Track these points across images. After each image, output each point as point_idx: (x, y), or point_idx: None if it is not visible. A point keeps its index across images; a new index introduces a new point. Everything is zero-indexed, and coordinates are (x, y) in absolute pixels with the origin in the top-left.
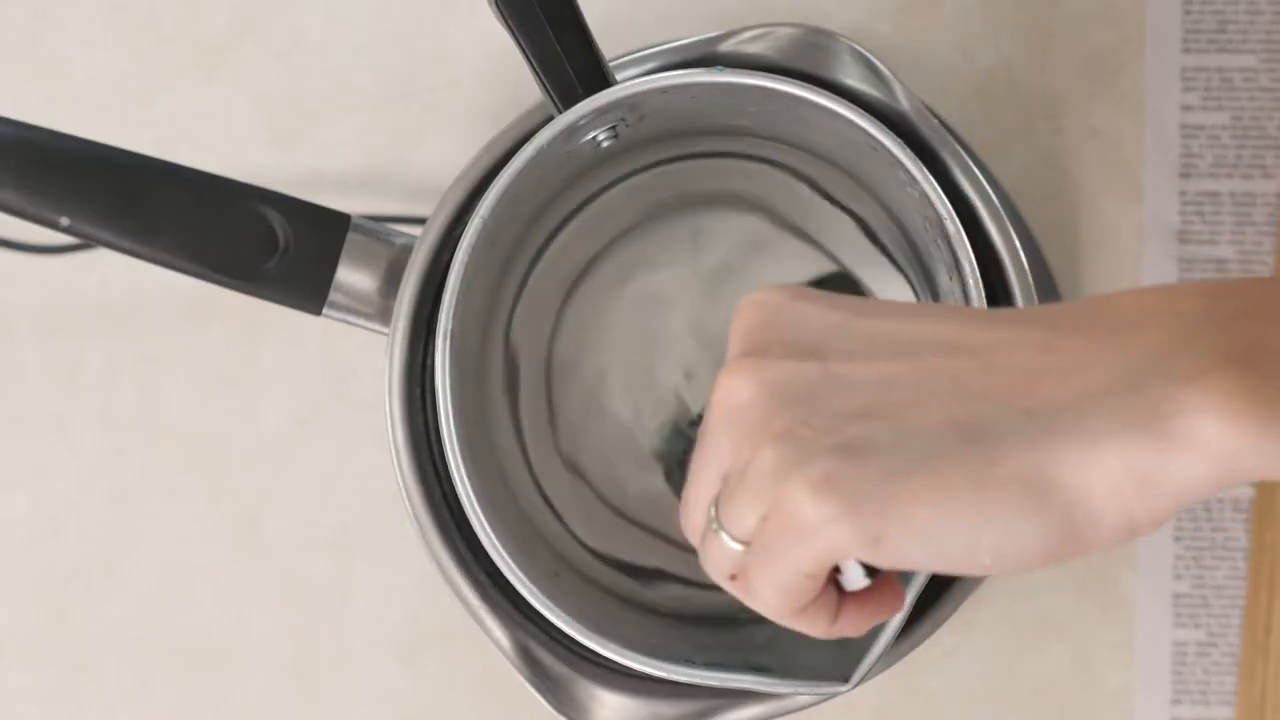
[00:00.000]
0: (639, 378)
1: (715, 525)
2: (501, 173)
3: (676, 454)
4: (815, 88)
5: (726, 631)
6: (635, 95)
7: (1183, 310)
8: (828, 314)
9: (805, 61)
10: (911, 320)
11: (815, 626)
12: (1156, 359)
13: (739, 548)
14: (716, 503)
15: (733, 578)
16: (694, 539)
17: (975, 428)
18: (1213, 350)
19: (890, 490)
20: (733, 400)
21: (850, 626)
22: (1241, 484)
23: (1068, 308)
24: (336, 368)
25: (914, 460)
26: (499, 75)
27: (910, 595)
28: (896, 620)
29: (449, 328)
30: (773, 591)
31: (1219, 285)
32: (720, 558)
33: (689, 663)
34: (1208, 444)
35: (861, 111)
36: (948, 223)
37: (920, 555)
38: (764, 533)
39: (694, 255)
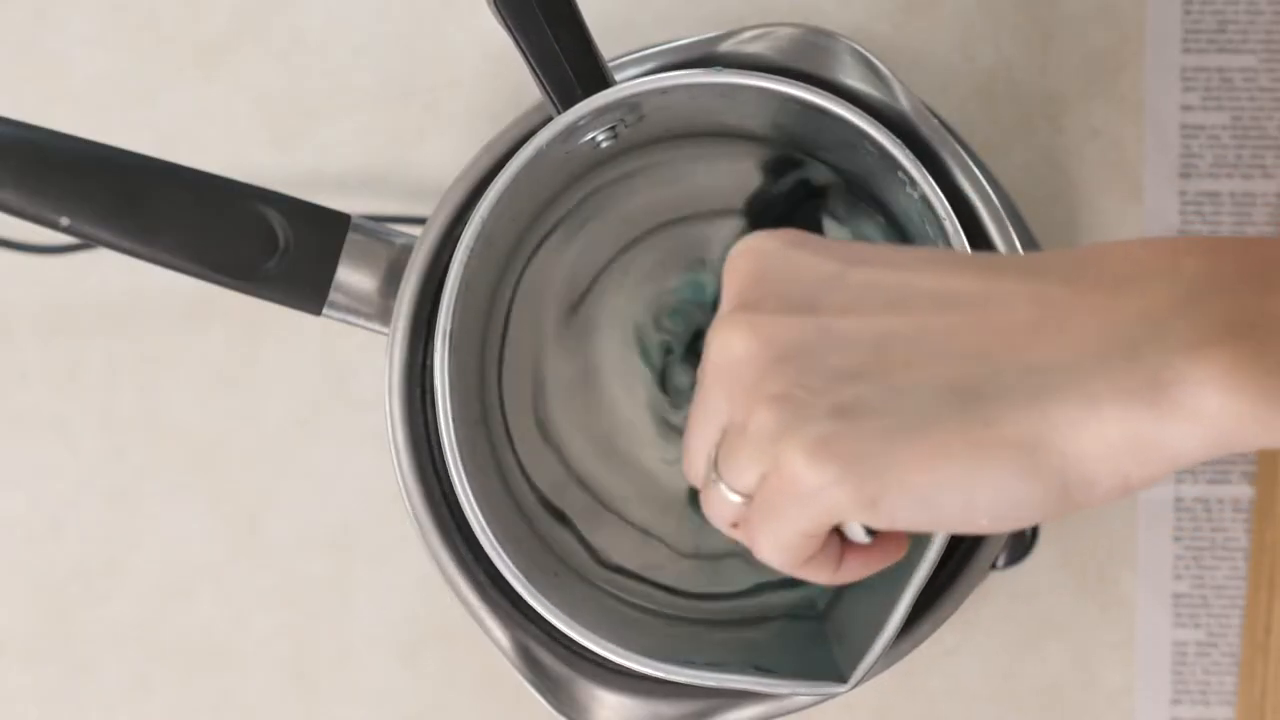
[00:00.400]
0: (639, 377)
1: (715, 476)
2: (501, 173)
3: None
4: (815, 89)
5: (726, 631)
6: (635, 95)
7: (1182, 268)
8: (821, 263)
9: (805, 61)
10: (905, 270)
11: (819, 576)
12: (1155, 322)
13: (739, 499)
14: (716, 453)
15: (734, 525)
16: (696, 484)
17: (970, 388)
18: (1214, 318)
19: (887, 453)
20: (728, 355)
21: (853, 575)
22: (1238, 450)
23: (1062, 257)
24: (336, 368)
25: (910, 422)
26: (499, 75)
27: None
28: (896, 620)
29: (448, 327)
30: (773, 547)
31: (1217, 243)
32: (721, 507)
33: (689, 663)
34: (1207, 413)
35: (861, 113)
36: (947, 223)
37: (917, 517)
38: (763, 492)
39: (694, 255)
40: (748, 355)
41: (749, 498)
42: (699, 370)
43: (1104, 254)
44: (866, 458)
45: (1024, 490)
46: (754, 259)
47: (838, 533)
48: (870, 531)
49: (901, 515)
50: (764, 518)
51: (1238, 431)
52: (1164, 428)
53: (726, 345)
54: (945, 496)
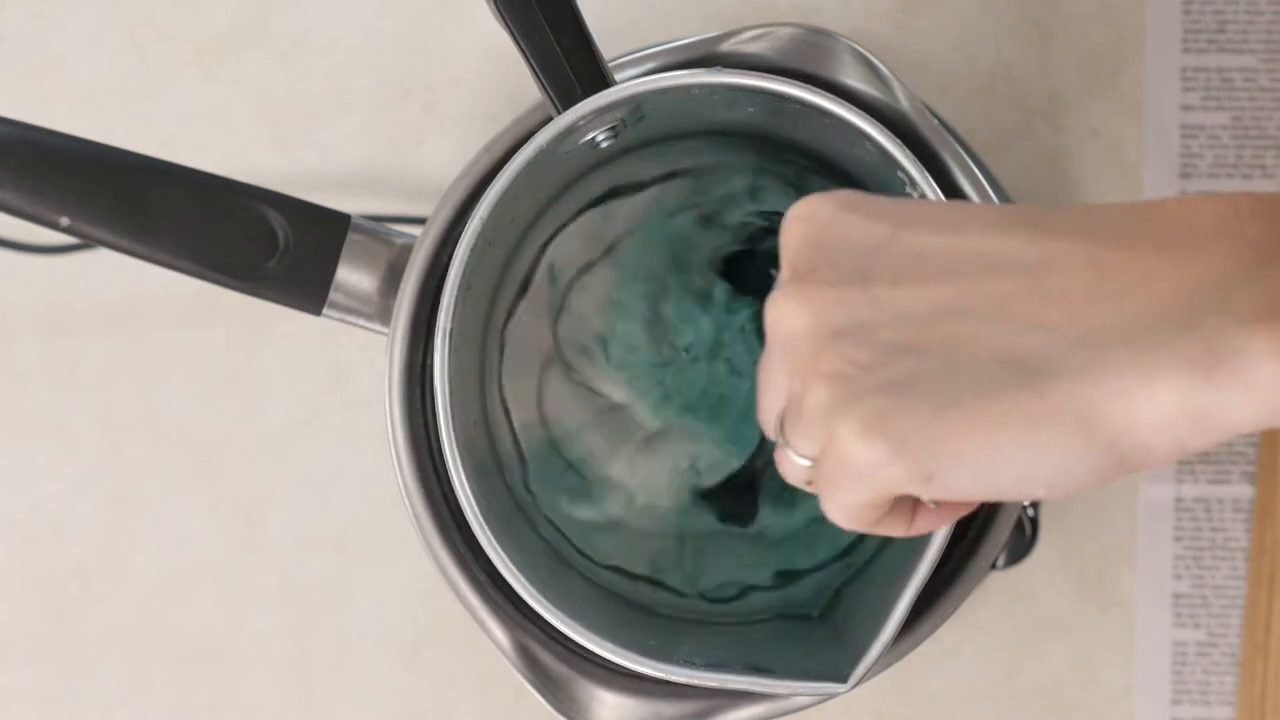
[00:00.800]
0: (638, 377)
1: (783, 441)
2: (501, 173)
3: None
4: (815, 89)
5: (726, 631)
6: (635, 95)
7: (1244, 234)
8: (873, 229)
9: (805, 61)
10: (957, 232)
11: (894, 531)
12: (1214, 291)
13: (807, 463)
14: (783, 418)
15: (809, 484)
16: (770, 437)
17: (1024, 360)
18: (1274, 289)
19: (940, 428)
20: (783, 329)
21: (928, 528)
22: None
23: (1119, 213)
24: (336, 368)
25: (963, 395)
26: (499, 75)
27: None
28: (896, 620)
29: (448, 327)
30: (841, 515)
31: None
32: (793, 470)
33: (689, 663)
34: (1265, 386)
35: (861, 113)
36: None
37: (973, 489)
38: (823, 464)
39: (694, 256)
40: (802, 329)
41: (816, 461)
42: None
43: (1163, 211)
44: (919, 434)
45: (1080, 460)
46: (807, 225)
47: None
48: None
49: (957, 488)
50: (826, 489)
51: None
52: (1221, 399)
53: (782, 318)
54: (1001, 469)
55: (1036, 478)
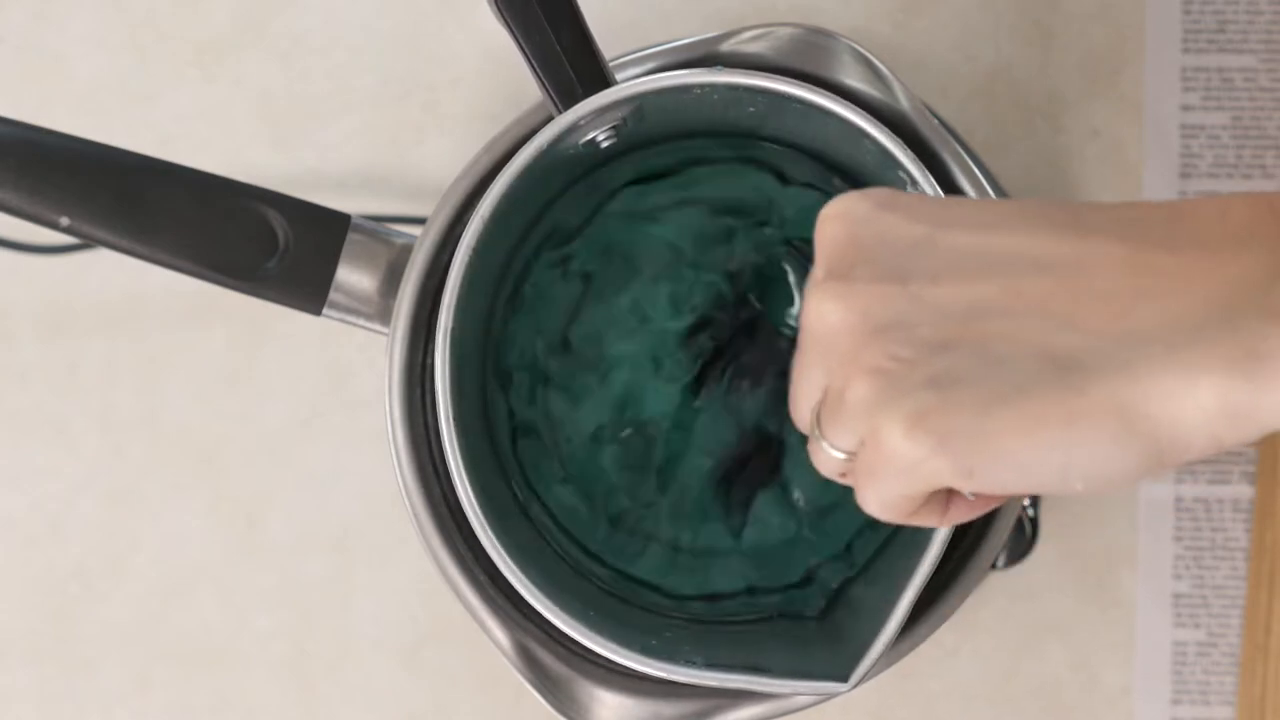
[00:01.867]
0: (639, 378)
1: (819, 434)
2: (502, 173)
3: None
4: (816, 88)
5: (727, 631)
6: (636, 95)
7: None
8: (911, 227)
9: (805, 61)
10: (996, 231)
11: (928, 522)
12: (1254, 290)
13: (842, 456)
14: (819, 412)
15: (843, 475)
16: (803, 431)
17: (1064, 357)
18: None
19: (982, 424)
20: (822, 326)
21: (961, 517)
22: None
23: (1156, 211)
24: (336, 368)
25: (1004, 392)
26: (499, 75)
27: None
28: (897, 619)
29: (449, 327)
30: (878, 506)
31: None
32: (827, 462)
33: (689, 663)
34: None
35: (862, 112)
36: None
37: (1014, 483)
38: (863, 457)
39: (694, 256)
40: (843, 326)
41: (852, 454)
42: (799, 336)
43: (1201, 211)
44: (962, 429)
45: (1119, 456)
46: (843, 224)
47: None
48: None
49: (999, 482)
50: (866, 480)
51: None
52: (1260, 398)
53: (821, 315)
54: (1041, 464)
55: (1076, 473)
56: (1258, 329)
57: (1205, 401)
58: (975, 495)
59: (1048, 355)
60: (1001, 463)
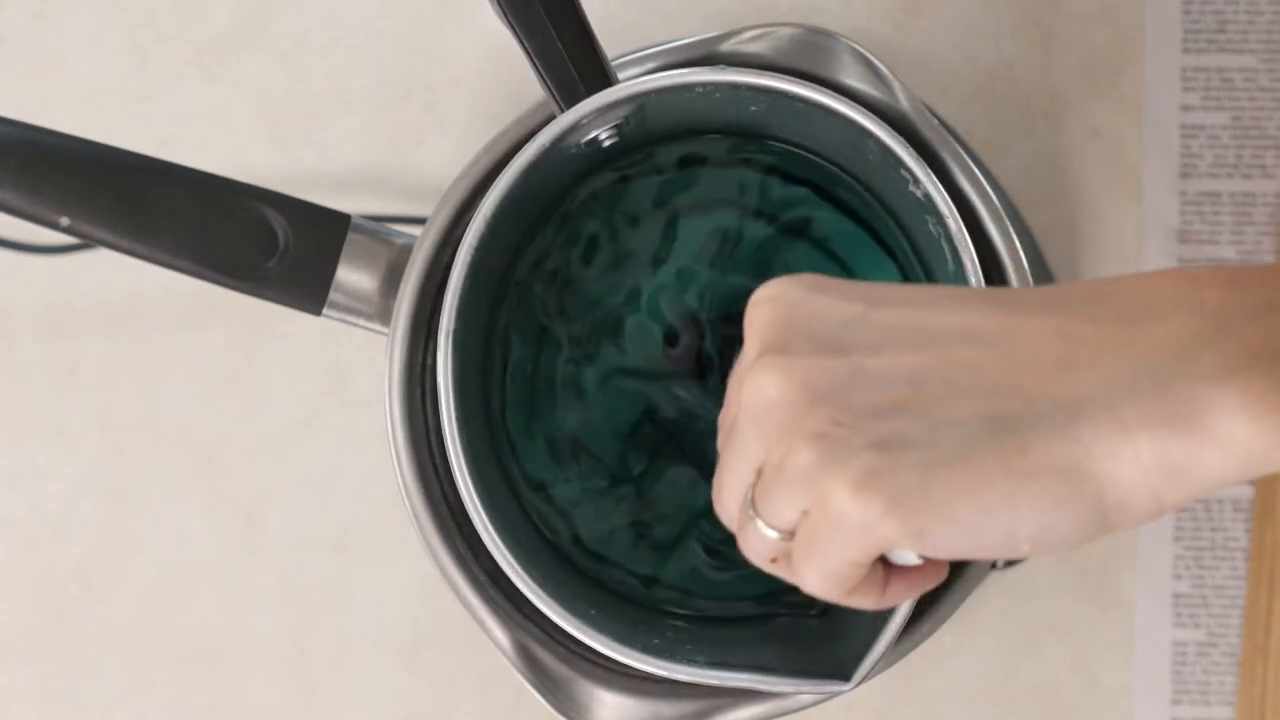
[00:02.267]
0: (640, 376)
1: (752, 514)
2: (504, 172)
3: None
4: (818, 86)
5: (728, 630)
6: (638, 94)
7: (1205, 301)
8: (845, 306)
9: (805, 61)
10: (927, 309)
11: (864, 602)
12: (1182, 353)
13: (777, 535)
14: (753, 493)
15: (774, 560)
16: (730, 525)
17: (1005, 419)
18: (1240, 347)
19: (929, 485)
20: (761, 399)
21: (899, 598)
22: (1270, 473)
23: (1080, 289)
24: (336, 368)
25: (949, 454)
26: (499, 75)
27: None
28: (898, 620)
29: (451, 326)
30: (820, 579)
31: (1236, 272)
32: (760, 545)
33: (690, 662)
34: (1238, 441)
35: (864, 110)
36: (950, 221)
37: (961, 545)
38: (807, 528)
39: (696, 256)
40: (783, 397)
41: (788, 534)
42: (722, 414)
43: (1123, 286)
44: (910, 490)
45: (1064, 517)
46: (777, 305)
47: (881, 559)
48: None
49: (946, 544)
50: (809, 551)
51: (1269, 455)
52: (1197, 454)
53: (760, 389)
54: (988, 525)
55: (1022, 534)
56: (1188, 389)
57: (1144, 459)
58: (915, 570)
59: (990, 418)
60: (949, 523)
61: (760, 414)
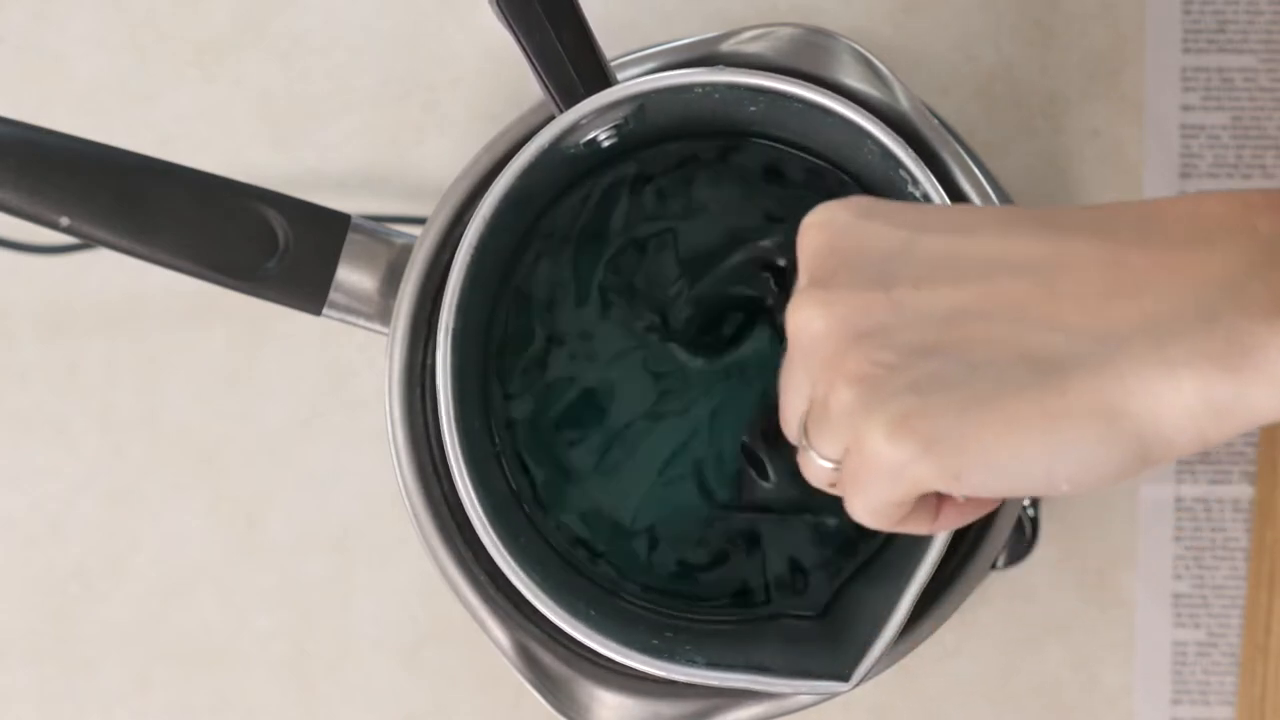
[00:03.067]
0: (642, 375)
1: (806, 443)
2: (503, 172)
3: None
4: (817, 87)
5: (728, 630)
6: (637, 94)
7: (1257, 228)
8: (891, 232)
9: (805, 61)
10: (974, 235)
11: (918, 529)
12: (1231, 285)
13: (831, 465)
14: (806, 422)
15: (832, 485)
16: (793, 441)
17: (1044, 359)
18: None
19: (965, 427)
20: (805, 333)
21: (951, 525)
22: None
23: (1131, 211)
24: (336, 368)
25: (986, 394)
26: (499, 75)
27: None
28: (898, 619)
29: (451, 325)
30: (866, 514)
31: None
32: (817, 472)
33: (689, 662)
34: None
35: (863, 111)
36: None
37: (1000, 486)
38: (848, 464)
39: (694, 256)
40: (825, 333)
41: (839, 463)
42: (786, 345)
43: (1175, 209)
44: (945, 433)
45: (1103, 455)
46: (824, 232)
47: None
48: None
49: (984, 485)
50: (854, 489)
51: None
52: (1243, 391)
53: (803, 323)
54: (1026, 466)
55: (1061, 474)
56: (1236, 323)
57: (1189, 398)
58: (965, 499)
59: (1029, 357)
60: (986, 465)
61: (806, 348)
